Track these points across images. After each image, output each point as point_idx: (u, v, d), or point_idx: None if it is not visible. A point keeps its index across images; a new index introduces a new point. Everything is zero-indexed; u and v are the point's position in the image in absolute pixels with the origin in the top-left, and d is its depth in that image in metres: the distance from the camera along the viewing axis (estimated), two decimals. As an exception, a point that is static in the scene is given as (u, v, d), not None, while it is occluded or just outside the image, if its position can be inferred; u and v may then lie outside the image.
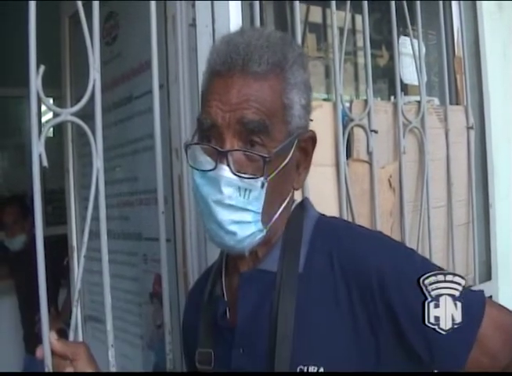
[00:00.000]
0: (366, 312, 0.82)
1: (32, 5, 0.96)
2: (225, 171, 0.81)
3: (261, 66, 0.82)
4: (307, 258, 0.87)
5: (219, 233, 0.84)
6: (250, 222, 0.83)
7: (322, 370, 0.81)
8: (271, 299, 0.86)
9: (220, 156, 0.81)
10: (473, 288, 0.88)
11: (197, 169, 0.85)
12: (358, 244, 0.87)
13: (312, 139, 0.91)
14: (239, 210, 0.82)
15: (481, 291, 0.89)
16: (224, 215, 0.82)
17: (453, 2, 1.97)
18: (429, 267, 0.85)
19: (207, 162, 0.83)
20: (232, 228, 0.83)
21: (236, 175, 0.81)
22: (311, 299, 0.84)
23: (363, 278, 0.83)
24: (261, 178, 0.82)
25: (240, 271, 0.91)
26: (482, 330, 0.81)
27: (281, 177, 0.85)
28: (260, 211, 0.83)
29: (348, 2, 1.52)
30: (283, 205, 0.89)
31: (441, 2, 1.85)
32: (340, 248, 0.86)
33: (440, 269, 0.86)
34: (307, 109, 0.89)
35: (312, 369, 0.81)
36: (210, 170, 0.82)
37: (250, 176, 0.82)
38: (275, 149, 0.83)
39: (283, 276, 0.86)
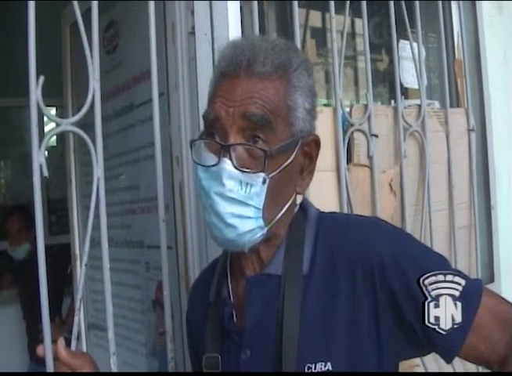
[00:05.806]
0: (370, 300, 0.84)
1: (31, 5, 0.97)
2: (227, 165, 0.82)
3: (266, 67, 0.84)
4: (311, 259, 0.88)
5: (219, 227, 0.85)
6: (250, 217, 0.84)
7: (329, 364, 0.82)
8: (277, 302, 0.87)
9: (223, 151, 0.83)
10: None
11: (201, 165, 0.86)
12: (358, 234, 0.88)
13: (316, 143, 0.92)
14: (239, 204, 0.83)
15: (479, 280, 0.91)
16: (225, 208, 0.83)
17: (453, 5, 1.97)
18: (426, 252, 0.89)
19: (210, 158, 0.85)
20: (233, 221, 0.84)
21: (237, 169, 0.82)
22: (316, 299, 0.86)
23: (365, 266, 0.84)
24: (263, 174, 0.83)
25: (246, 274, 0.92)
26: (478, 319, 0.83)
27: (283, 177, 0.86)
28: (261, 207, 0.84)
29: (347, 5, 1.52)
30: (286, 207, 0.90)
31: (440, 4, 1.85)
32: (341, 242, 0.88)
33: (426, 248, 0.91)
34: (311, 113, 0.90)
35: (320, 365, 0.83)
36: (213, 165, 0.84)
37: (252, 171, 0.83)
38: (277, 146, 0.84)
39: (287, 279, 0.87)
